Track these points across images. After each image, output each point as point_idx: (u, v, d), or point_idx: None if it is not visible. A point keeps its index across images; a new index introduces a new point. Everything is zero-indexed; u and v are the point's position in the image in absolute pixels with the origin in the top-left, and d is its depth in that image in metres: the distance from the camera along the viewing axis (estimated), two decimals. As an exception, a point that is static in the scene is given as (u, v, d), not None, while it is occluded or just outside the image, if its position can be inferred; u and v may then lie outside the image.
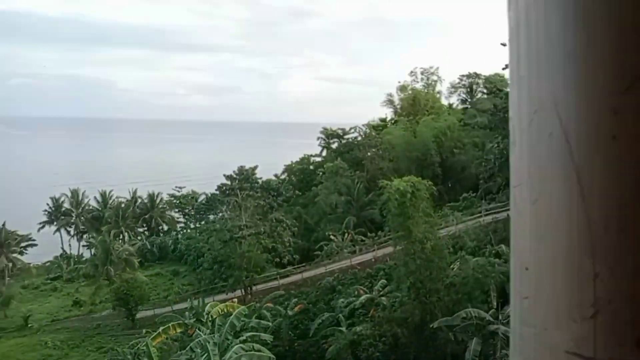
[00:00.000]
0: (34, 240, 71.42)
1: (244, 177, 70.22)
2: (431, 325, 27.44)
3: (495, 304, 27.99)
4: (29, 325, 47.74)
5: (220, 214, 62.99)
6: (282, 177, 79.57)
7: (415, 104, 76.50)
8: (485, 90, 78.94)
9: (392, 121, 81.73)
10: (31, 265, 67.78)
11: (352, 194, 61.61)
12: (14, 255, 66.94)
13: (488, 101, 64.20)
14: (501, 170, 42.50)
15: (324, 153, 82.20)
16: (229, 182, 69.75)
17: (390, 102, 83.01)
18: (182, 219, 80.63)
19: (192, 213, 77.02)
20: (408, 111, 76.56)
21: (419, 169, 58.54)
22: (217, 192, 70.17)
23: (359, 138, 73.94)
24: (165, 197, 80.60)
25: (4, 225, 66.70)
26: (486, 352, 25.11)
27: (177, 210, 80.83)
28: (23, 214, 74.51)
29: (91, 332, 45.59)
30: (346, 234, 53.39)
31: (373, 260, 43.87)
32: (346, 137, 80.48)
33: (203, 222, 71.48)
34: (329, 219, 60.59)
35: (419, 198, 29.53)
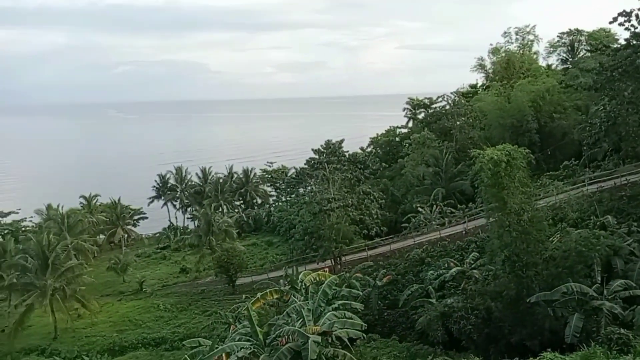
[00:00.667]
0: (144, 213, 78.95)
1: (331, 151, 71.11)
2: (528, 300, 26.35)
3: (599, 278, 26.19)
4: (144, 289, 53.24)
5: (309, 187, 64.75)
6: (368, 149, 79.44)
7: (509, 66, 71.45)
8: (588, 48, 71.65)
9: (484, 87, 77.42)
10: (143, 236, 75.18)
11: (440, 165, 59.95)
12: (129, 227, 74.71)
13: (592, 59, 58.29)
14: (608, 134, 38.83)
15: (410, 124, 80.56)
16: (316, 156, 71.09)
17: (481, 66, 78.44)
18: (273, 193, 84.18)
19: (283, 187, 79.98)
20: (501, 75, 71.86)
21: (514, 137, 55.16)
22: (306, 166, 71.92)
23: (447, 107, 71.17)
24: (258, 172, 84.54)
25: (119, 200, 74.42)
26: (589, 329, 23.69)
27: (269, 184, 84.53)
28: (135, 190, 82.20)
29: (196, 296, 49.73)
30: (434, 206, 52.38)
31: (464, 232, 42.75)
32: (433, 106, 77.98)
33: (293, 195, 74.04)
34: (416, 190, 59.70)
35: (514, 167, 27.98)
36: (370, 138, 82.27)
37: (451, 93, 73.52)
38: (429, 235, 45.20)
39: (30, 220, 73.14)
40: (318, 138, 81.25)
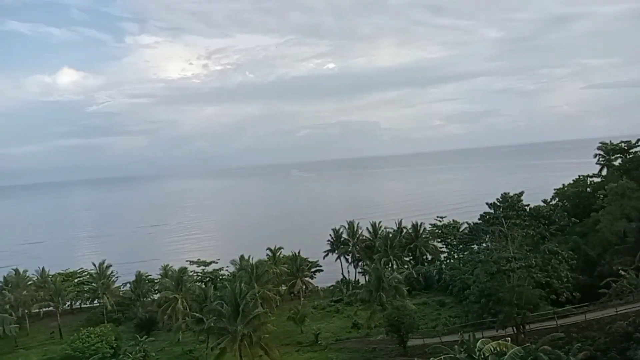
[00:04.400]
0: (320, 266, 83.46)
1: (509, 205, 66.27)
2: None
3: None
4: (319, 342, 55.33)
5: (484, 244, 60.94)
6: (553, 202, 72.04)
7: None
8: None
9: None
10: (319, 287, 79.11)
11: (648, 220, 50.75)
12: (306, 278, 79.55)
13: None
14: None
15: (604, 172, 71.21)
16: (492, 211, 66.95)
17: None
18: (444, 249, 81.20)
19: (455, 243, 76.76)
20: None
21: None
22: (480, 221, 68.11)
23: (652, 151, 61.05)
24: (428, 227, 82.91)
25: (299, 252, 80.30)
26: None
27: (439, 240, 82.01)
28: (312, 243, 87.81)
29: (368, 354, 49.57)
30: (643, 269, 44.12)
31: (686, 304, 34.89)
32: (632, 150, 68.02)
33: (466, 252, 70.36)
34: (616, 250, 51.36)
35: None
36: (554, 189, 74.74)
37: (656, 135, 63.21)
38: (636, 305, 38.18)
39: (227, 269, 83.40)
40: (493, 190, 76.81)
